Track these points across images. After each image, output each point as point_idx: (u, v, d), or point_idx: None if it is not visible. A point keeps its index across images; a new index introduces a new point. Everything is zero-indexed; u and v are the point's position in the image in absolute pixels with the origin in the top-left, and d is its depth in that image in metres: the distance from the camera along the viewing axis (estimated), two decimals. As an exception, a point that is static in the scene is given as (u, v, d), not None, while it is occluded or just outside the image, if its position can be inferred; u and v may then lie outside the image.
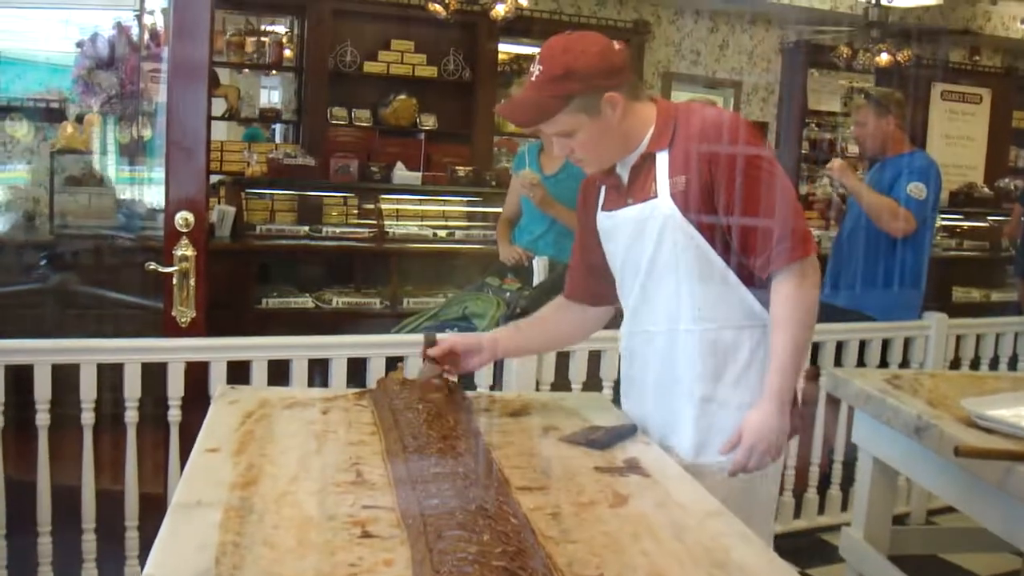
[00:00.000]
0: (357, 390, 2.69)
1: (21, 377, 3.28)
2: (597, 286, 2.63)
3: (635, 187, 2.40)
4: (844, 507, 4.60)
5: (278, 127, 8.39)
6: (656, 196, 2.33)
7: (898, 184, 4.81)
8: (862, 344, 4.56)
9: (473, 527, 1.57)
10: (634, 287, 2.44)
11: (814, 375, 4.48)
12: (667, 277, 2.36)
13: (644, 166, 2.37)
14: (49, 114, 6.59)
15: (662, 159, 2.34)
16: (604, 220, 2.50)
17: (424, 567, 1.51)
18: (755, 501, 2.42)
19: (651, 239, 2.35)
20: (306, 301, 6.00)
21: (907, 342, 4.68)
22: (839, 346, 4.49)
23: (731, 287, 2.36)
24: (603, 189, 2.52)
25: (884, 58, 8.44)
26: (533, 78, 2.29)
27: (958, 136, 10.04)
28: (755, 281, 2.35)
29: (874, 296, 4.91)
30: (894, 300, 4.87)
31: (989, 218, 8.84)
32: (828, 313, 4.82)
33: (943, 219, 8.45)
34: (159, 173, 5.85)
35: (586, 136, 2.33)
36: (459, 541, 1.53)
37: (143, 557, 3.30)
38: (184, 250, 3.53)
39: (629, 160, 2.40)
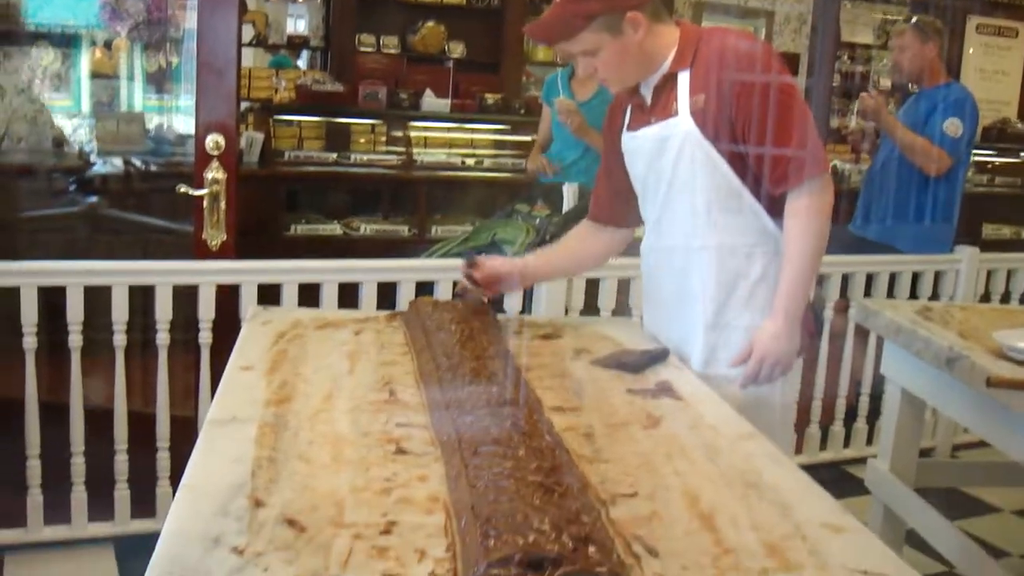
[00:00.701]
0: (389, 312, 2.70)
1: (53, 303, 3.31)
2: (621, 208, 2.67)
3: (657, 106, 2.45)
4: (870, 440, 4.60)
5: (305, 55, 8.34)
6: (677, 114, 2.39)
7: (933, 119, 4.74)
8: (892, 277, 4.54)
9: (508, 443, 1.58)
10: (655, 204, 2.51)
11: (843, 307, 4.46)
12: (685, 194, 2.42)
13: (666, 86, 2.42)
14: (76, 41, 6.57)
15: (683, 78, 2.39)
16: (628, 140, 2.55)
17: (459, 482, 1.51)
18: (766, 415, 2.42)
19: (671, 156, 2.41)
20: (334, 228, 6.00)
21: (937, 276, 4.65)
22: (869, 278, 4.47)
23: (745, 206, 2.41)
24: (628, 110, 2.56)
25: (919, -12, 8.29)
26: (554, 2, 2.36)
27: (992, 71, 9.87)
28: (770, 203, 2.40)
29: (905, 230, 4.87)
30: (925, 235, 4.84)
31: (1022, 154, 8.72)
32: (859, 246, 4.81)
33: (976, 155, 8.34)
34: (187, 99, 5.85)
35: (608, 55, 2.36)
36: (494, 456, 1.53)
37: (174, 477, 3.37)
38: (215, 173, 3.53)
39: (652, 80, 2.45)
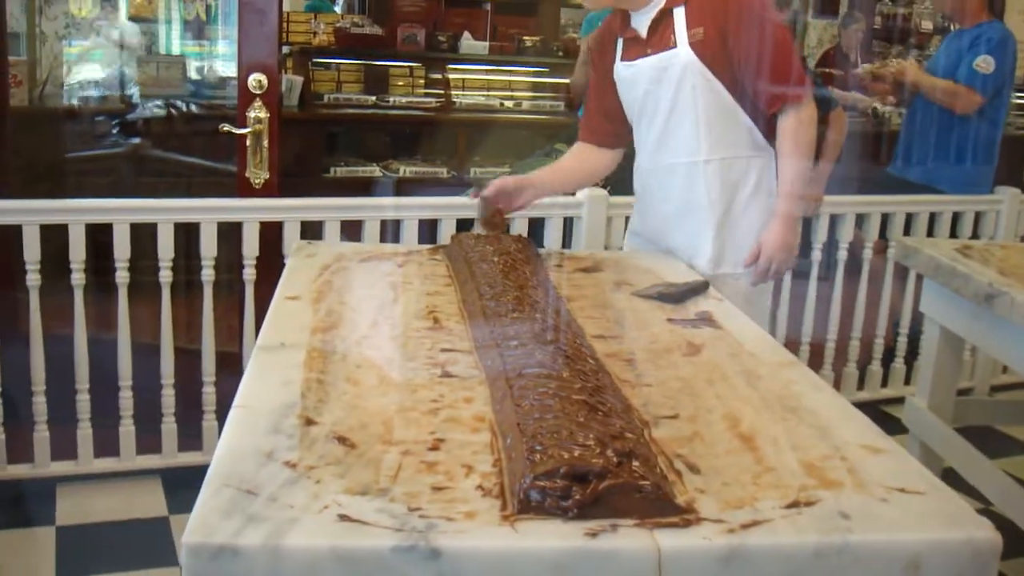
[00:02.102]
0: (431, 246, 2.73)
1: (99, 241, 3.36)
2: (612, 129, 2.95)
3: (654, 39, 2.71)
4: (907, 381, 4.61)
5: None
6: (676, 46, 2.67)
7: (967, 58, 4.69)
8: (932, 217, 4.52)
9: (552, 365, 1.61)
10: (654, 128, 2.77)
11: (882, 248, 4.45)
12: (687, 116, 2.70)
13: (662, 20, 2.69)
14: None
15: (679, 13, 2.66)
16: (623, 69, 2.81)
17: (505, 403, 1.55)
18: (759, 307, 2.84)
19: (672, 84, 2.69)
20: (373, 170, 6.02)
21: (978, 216, 4.62)
22: (908, 219, 4.46)
23: (741, 123, 2.72)
24: (621, 41, 2.81)
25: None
26: None
27: (1037, 12, 9.73)
28: (761, 121, 2.73)
29: (945, 170, 4.83)
30: (965, 175, 4.80)
31: (1065, 97, 8.60)
32: (900, 187, 4.79)
33: (1017, 97, 8.23)
34: (226, 43, 5.88)
35: None
36: (539, 377, 1.57)
37: (220, 411, 3.43)
38: (257, 112, 3.56)
39: (646, 15, 2.71)
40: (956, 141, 4.81)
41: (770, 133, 2.75)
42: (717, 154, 2.73)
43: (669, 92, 2.70)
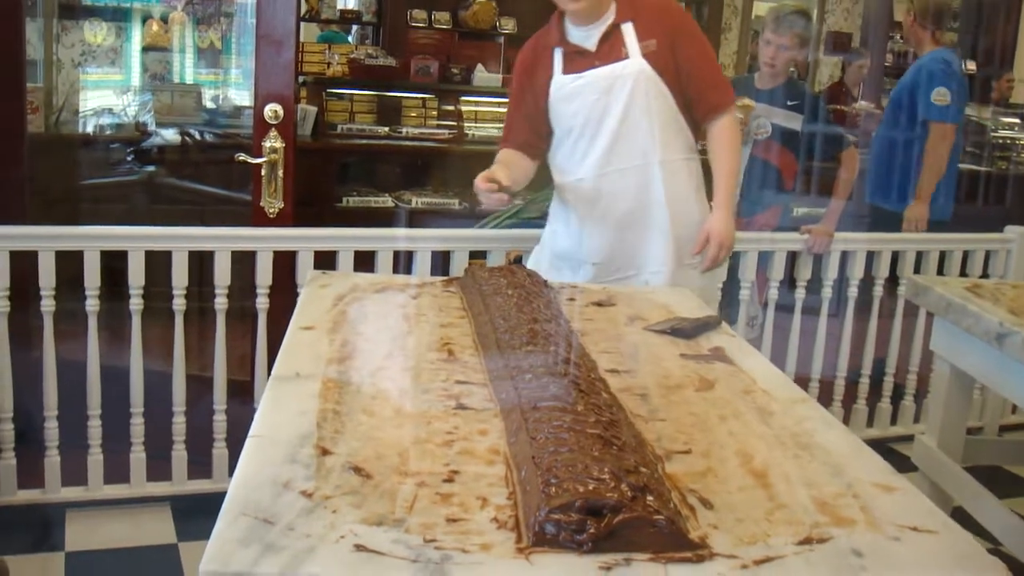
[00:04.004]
0: (445, 278, 2.75)
1: (113, 268, 3.38)
2: (536, 141, 3.17)
3: (603, 51, 3.00)
4: (917, 419, 4.60)
5: (355, 29, 8.39)
6: (628, 57, 2.97)
7: (923, 96, 4.93)
8: (942, 256, 4.53)
9: (566, 399, 1.62)
10: (602, 135, 3.01)
11: (892, 284, 4.46)
12: (641, 121, 2.98)
13: (611, 34, 2.98)
14: (131, 15, 6.66)
15: (628, 28, 2.98)
16: (567, 81, 3.04)
17: (519, 435, 1.56)
18: (711, 292, 3.36)
19: (625, 91, 2.96)
20: (385, 200, 6.05)
21: (988, 255, 4.63)
22: (918, 257, 4.47)
23: (683, 128, 3.07)
24: (558, 57, 3.06)
25: (975, -33, 8.21)
26: None
27: (1049, 51, 9.77)
28: (693, 125, 3.09)
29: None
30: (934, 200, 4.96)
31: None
32: (876, 216, 4.91)
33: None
34: (240, 72, 5.93)
35: None
36: (553, 411, 1.57)
37: (230, 439, 3.44)
38: (273, 142, 3.59)
39: (594, 30, 2.99)
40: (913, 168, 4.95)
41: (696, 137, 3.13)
42: (668, 155, 3.02)
43: (622, 99, 2.97)
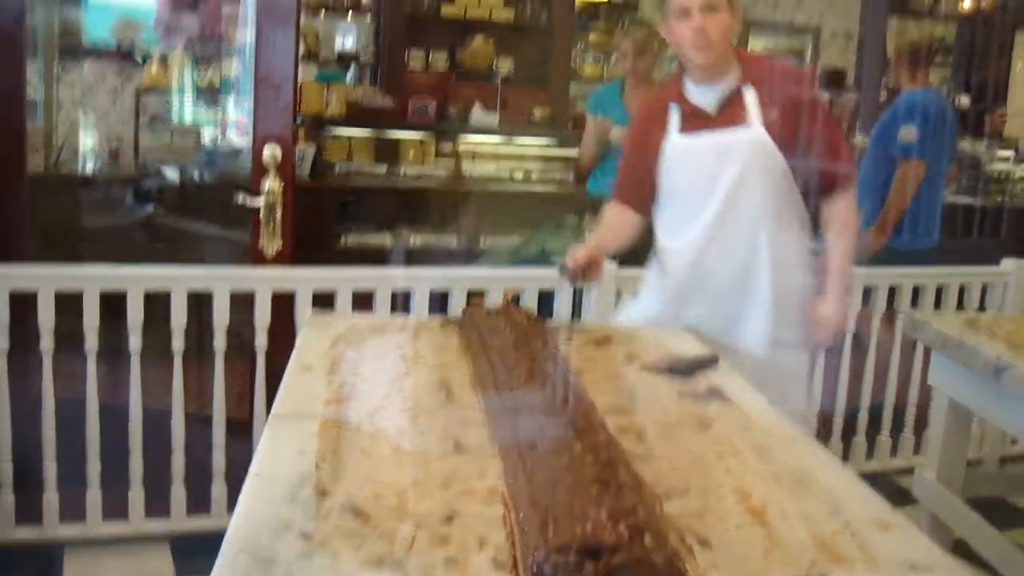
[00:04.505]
0: (443, 317, 2.76)
1: (112, 307, 3.40)
2: (643, 197, 3.02)
3: (723, 114, 2.84)
4: (917, 451, 4.60)
5: (352, 69, 8.44)
6: (748, 124, 2.81)
7: (893, 134, 5.05)
8: (939, 289, 4.54)
9: (564, 440, 1.63)
10: (714, 200, 2.84)
11: (890, 318, 4.47)
12: (754, 191, 2.82)
13: (733, 97, 2.83)
14: (129, 56, 6.71)
15: (750, 93, 2.82)
16: (682, 140, 2.89)
17: (518, 476, 1.57)
18: (800, 382, 3.04)
19: (740, 159, 2.81)
20: (384, 239, 6.07)
21: (985, 288, 4.64)
22: (916, 290, 4.48)
23: (796, 202, 2.90)
24: (676, 113, 2.90)
25: (967, 5, 8.28)
26: None
27: (1042, 85, 9.85)
28: (806, 200, 2.93)
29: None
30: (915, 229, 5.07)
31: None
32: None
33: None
34: (240, 112, 5.96)
35: (724, 19, 2.75)
36: (551, 452, 1.58)
37: (229, 477, 3.44)
38: (271, 183, 3.61)
39: (714, 90, 2.84)
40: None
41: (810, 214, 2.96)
42: (778, 229, 2.85)
43: (737, 167, 2.80)
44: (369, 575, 1.30)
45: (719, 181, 2.83)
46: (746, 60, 2.87)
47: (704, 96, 2.86)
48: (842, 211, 2.93)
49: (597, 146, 4.75)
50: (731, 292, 2.90)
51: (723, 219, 2.85)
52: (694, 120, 2.87)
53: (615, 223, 3.08)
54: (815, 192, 2.90)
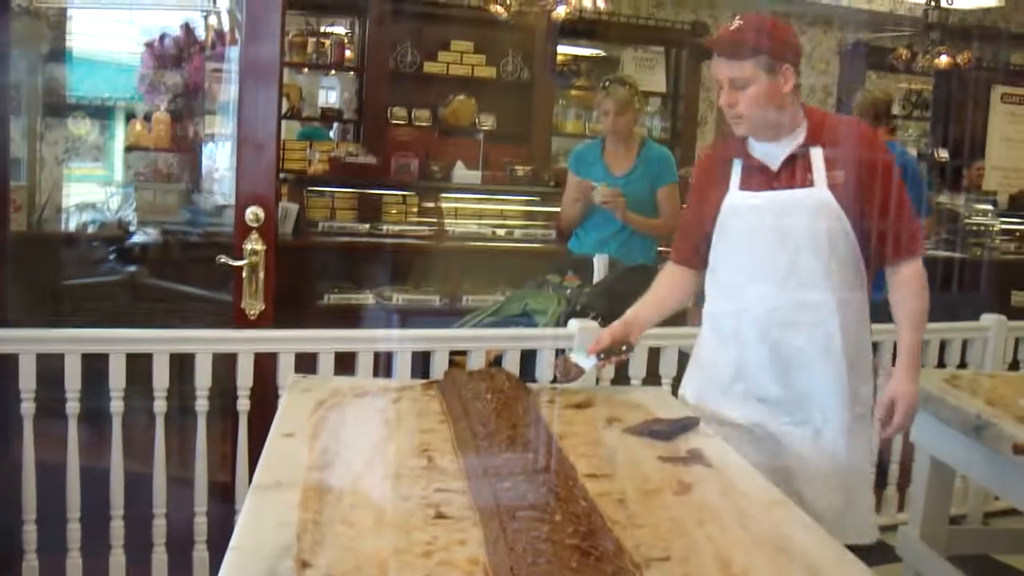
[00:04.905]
0: (425, 381, 2.77)
1: (92, 368, 3.39)
2: (704, 254, 2.88)
3: (787, 173, 2.70)
4: (901, 507, 4.60)
5: (336, 126, 8.49)
6: (813, 185, 2.67)
7: None
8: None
9: (545, 508, 1.63)
10: (773, 265, 2.70)
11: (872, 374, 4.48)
12: (818, 254, 2.67)
13: (798, 157, 2.69)
14: (114, 113, 6.73)
15: (816, 154, 2.68)
16: (742, 198, 2.76)
17: (498, 545, 1.57)
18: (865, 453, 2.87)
19: (804, 220, 2.67)
20: (367, 297, 6.08)
21: (965, 344, 4.66)
22: (895, 346, 4.49)
23: (859, 267, 2.72)
24: (738, 169, 2.78)
25: (943, 60, 8.39)
26: (732, 27, 2.67)
27: (1019, 139, 9.98)
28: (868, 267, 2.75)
29: None
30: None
31: (1050, 222, 8.75)
32: None
33: (1004, 223, 8.40)
34: (224, 171, 5.98)
35: (757, 92, 2.63)
36: (532, 520, 1.59)
37: (211, 541, 3.42)
38: (254, 244, 3.61)
39: (779, 148, 2.71)
40: None
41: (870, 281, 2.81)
42: (843, 295, 2.70)
43: (800, 229, 2.67)
44: (349, 651, 1.30)
45: (780, 244, 2.69)
46: (814, 117, 2.73)
47: (766, 154, 2.73)
48: (910, 279, 2.75)
49: (578, 205, 4.76)
50: (800, 363, 2.73)
51: (784, 285, 2.70)
52: (756, 177, 2.75)
53: (668, 285, 3.00)
54: (878, 258, 2.75)
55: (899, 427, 2.77)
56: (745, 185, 2.76)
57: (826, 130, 2.70)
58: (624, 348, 2.82)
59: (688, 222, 3.02)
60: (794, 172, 2.69)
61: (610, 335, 2.81)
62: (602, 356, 2.80)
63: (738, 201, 2.76)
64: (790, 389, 2.74)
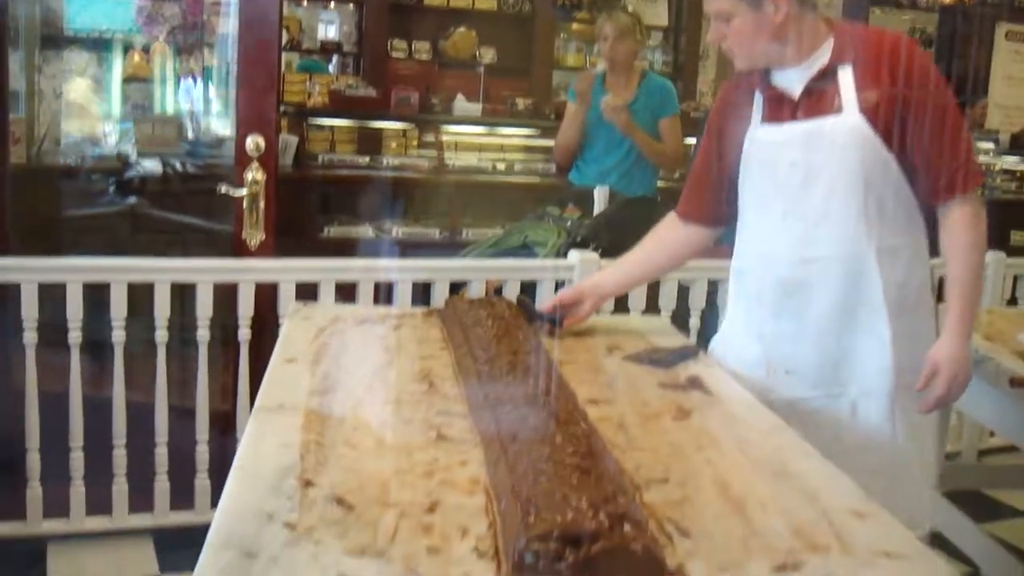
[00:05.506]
0: (426, 309, 2.77)
1: (95, 300, 3.40)
2: (717, 205, 2.56)
3: (809, 100, 2.32)
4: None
5: (335, 59, 8.43)
6: (841, 111, 2.26)
7: None
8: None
9: (545, 430, 1.64)
10: (800, 210, 2.33)
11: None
12: (853, 195, 2.27)
13: (823, 80, 2.30)
14: (112, 45, 6.68)
15: (845, 74, 2.27)
16: (765, 133, 2.39)
17: (499, 466, 1.58)
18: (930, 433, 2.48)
19: (834, 155, 2.27)
20: (366, 230, 6.08)
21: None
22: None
23: (907, 205, 2.31)
24: (760, 102, 2.42)
25: (948, -3, 8.32)
26: None
27: (1022, 78, 9.91)
28: (923, 204, 2.33)
29: None
30: None
31: (1051, 161, 8.70)
32: None
33: (1004, 162, 8.37)
34: (222, 102, 5.95)
35: (741, 25, 2.29)
36: (533, 442, 1.60)
37: (212, 470, 3.45)
38: (254, 174, 3.61)
39: (800, 72, 2.32)
40: None
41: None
42: (887, 242, 2.29)
43: (830, 165, 2.28)
44: (353, 564, 1.32)
45: (807, 185, 2.31)
46: (842, 32, 2.32)
47: (786, 79, 2.35)
48: (964, 222, 2.27)
49: (575, 128, 4.74)
50: (833, 325, 2.35)
51: (814, 233, 2.32)
52: (777, 108, 2.37)
53: (662, 239, 2.67)
54: (925, 196, 2.31)
55: (940, 400, 2.29)
56: (767, 118, 2.40)
57: (857, 45, 2.28)
58: (558, 317, 2.54)
59: (698, 168, 2.64)
60: (819, 98, 2.30)
61: (558, 299, 2.59)
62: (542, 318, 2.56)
63: (760, 136, 2.40)
64: (821, 357, 2.37)
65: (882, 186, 2.26)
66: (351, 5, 7.98)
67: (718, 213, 2.58)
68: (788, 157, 2.34)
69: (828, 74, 2.29)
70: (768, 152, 2.38)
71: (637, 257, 2.69)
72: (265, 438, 1.74)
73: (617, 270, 2.71)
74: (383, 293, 3.62)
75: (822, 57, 2.30)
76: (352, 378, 2.10)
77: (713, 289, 3.93)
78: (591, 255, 3.73)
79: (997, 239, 5.73)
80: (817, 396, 2.38)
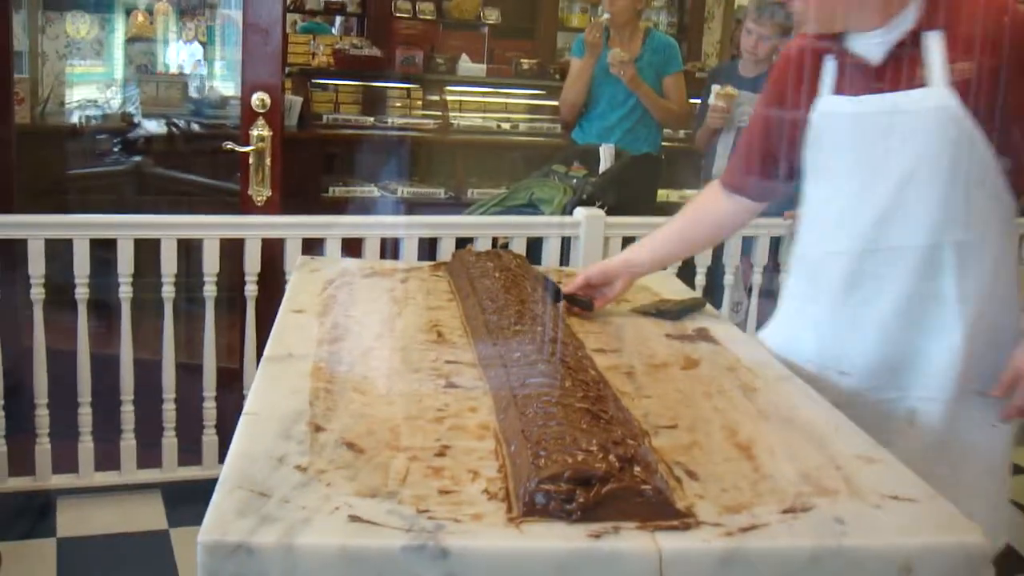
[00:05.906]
0: (433, 262, 2.78)
1: (102, 257, 3.41)
2: (765, 178, 2.28)
3: (890, 70, 2.01)
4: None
5: (339, 20, 8.41)
6: (928, 84, 1.97)
7: None
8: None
9: (554, 375, 1.65)
10: (875, 194, 2.04)
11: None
12: (936, 181, 1.98)
13: (907, 47, 1.99)
14: (114, 5, 6.67)
15: (935, 40, 1.97)
16: (836, 105, 2.10)
17: (509, 411, 1.59)
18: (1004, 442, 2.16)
19: (917, 135, 1.98)
20: (371, 190, 6.08)
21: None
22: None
23: (996, 195, 2.02)
24: (832, 67, 2.11)
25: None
26: None
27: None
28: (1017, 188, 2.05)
29: None
30: None
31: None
32: None
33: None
34: (226, 63, 5.94)
35: None
36: (542, 387, 1.61)
37: (220, 426, 3.47)
38: (260, 130, 3.61)
39: (880, 38, 2.01)
40: None
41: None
42: (971, 233, 2.01)
43: (910, 145, 1.99)
44: (364, 504, 1.33)
45: (883, 166, 2.02)
46: None
47: (866, 45, 2.03)
48: None
49: (581, 82, 4.73)
50: (901, 323, 2.07)
51: (888, 220, 2.03)
52: (854, 76, 2.06)
53: (701, 211, 2.43)
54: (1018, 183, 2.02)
55: (1019, 411, 2.00)
56: (840, 88, 2.09)
57: (951, 7, 1.97)
58: (587, 300, 2.35)
59: (751, 137, 2.32)
60: (902, 67, 1.99)
61: (584, 279, 2.37)
62: (562, 299, 2.32)
63: (829, 108, 2.10)
64: (881, 357, 2.10)
65: (968, 172, 1.97)
66: (355, -36, 7.95)
67: (768, 188, 2.31)
68: (861, 134, 2.06)
69: (914, 40, 1.99)
70: (838, 127, 2.10)
71: (673, 229, 2.44)
72: (275, 384, 1.75)
73: (650, 244, 2.44)
74: (389, 250, 3.63)
75: (908, 18, 1.99)
76: (360, 328, 2.11)
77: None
78: (597, 212, 3.73)
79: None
80: (873, 400, 2.12)
